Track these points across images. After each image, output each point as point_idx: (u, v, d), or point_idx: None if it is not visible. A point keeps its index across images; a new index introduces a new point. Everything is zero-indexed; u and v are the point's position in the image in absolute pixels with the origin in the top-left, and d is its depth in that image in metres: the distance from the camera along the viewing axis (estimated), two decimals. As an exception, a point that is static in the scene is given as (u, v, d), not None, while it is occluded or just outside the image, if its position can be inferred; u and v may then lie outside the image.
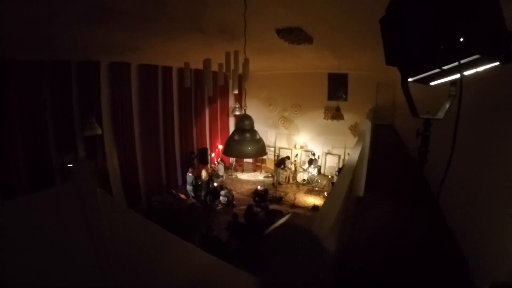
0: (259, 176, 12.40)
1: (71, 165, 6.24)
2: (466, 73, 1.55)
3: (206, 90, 6.21)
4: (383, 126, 11.17)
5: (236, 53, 5.94)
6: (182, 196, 9.12)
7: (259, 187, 9.91)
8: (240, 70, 6.45)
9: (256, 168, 13.12)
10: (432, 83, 1.77)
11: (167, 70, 10.06)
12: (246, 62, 6.39)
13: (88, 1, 3.69)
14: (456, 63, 1.17)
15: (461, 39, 1.12)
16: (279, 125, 13.72)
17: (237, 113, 11.47)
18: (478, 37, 1.12)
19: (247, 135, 3.08)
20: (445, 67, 1.37)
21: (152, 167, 9.92)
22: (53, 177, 7.28)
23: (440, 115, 1.69)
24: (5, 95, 6.23)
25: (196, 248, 3.40)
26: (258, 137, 3.16)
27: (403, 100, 7.22)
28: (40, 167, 7.02)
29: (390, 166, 5.83)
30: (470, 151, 2.50)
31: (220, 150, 13.23)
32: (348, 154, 11.42)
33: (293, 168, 12.59)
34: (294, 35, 5.62)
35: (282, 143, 13.71)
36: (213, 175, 11.01)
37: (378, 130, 10.45)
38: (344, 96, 12.27)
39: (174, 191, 9.40)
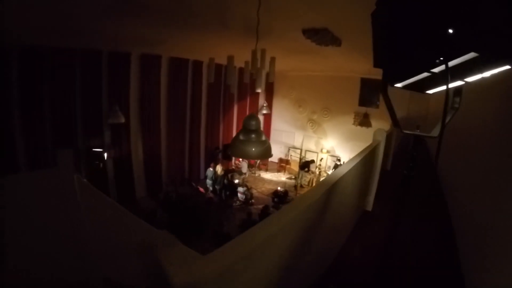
0: (282, 177, 12.29)
1: (97, 149, 6.53)
2: (470, 79, 1.36)
3: (230, 87, 6.18)
4: (411, 136, 10.73)
5: (263, 52, 5.89)
6: (201, 189, 9.20)
7: (279, 188, 9.79)
8: (267, 69, 6.42)
9: (280, 168, 12.99)
10: (429, 91, 1.57)
11: (198, 64, 10.19)
12: (272, 61, 6.35)
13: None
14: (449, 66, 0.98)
15: (450, 31, 0.87)
16: (307, 127, 13.50)
17: (265, 112, 11.38)
18: (473, 28, 0.86)
19: (253, 135, 3.06)
20: (435, 70, 1.17)
21: (176, 159, 10.11)
22: (79, 160, 7.55)
23: (435, 132, 1.42)
24: (38, 79, 6.56)
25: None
26: (263, 138, 3.14)
27: (435, 110, 6.89)
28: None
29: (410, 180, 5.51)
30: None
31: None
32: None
33: (317, 172, 12.31)
34: (320, 36, 5.47)
35: (309, 145, 13.49)
36: (236, 172, 11.00)
37: (407, 140, 9.98)
38: (376, 102, 11.82)
39: (194, 184, 9.50)
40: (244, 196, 8.87)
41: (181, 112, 9.95)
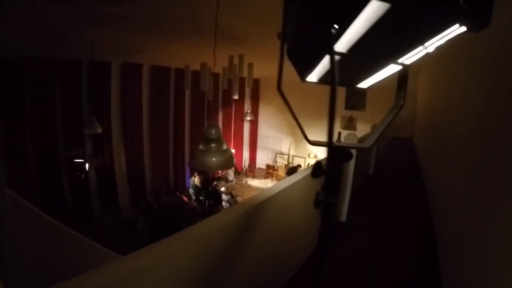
0: (269, 183, 12.21)
1: (78, 160, 6.45)
2: (407, 59, 0.77)
3: (206, 95, 6.19)
4: (401, 140, 10.77)
5: (240, 57, 5.92)
6: (185, 198, 9.13)
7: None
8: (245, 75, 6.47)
9: (267, 175, 12.99)
10: (361, 85, 0.93)
11: (180, 72, 10.17)
12: (250, 67, 6.40)
13: (81, 5, 3.74)
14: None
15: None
16: (294, 133, 13.51)
17: (249, 118, 11.37)
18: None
19: (213, 145, 2.94)
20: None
21: (160, 168, 10.07)
22: (60, 171, 7.50)
23: (368, 142, 0.98)
24: (17, 90, 6.52)
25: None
26: (224, 147, 3.03)
27: (423, 113, 6.80)
28: (48, 161, 7.28)
29: (394, 188, 5.35)
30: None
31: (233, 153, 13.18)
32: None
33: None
34: None
35: (296, 151, 13.51)
36: (221, 179, 10.96)
37: (394, 143, 10.06)
38: (363, 105, 11.92)
39: (177, 193, 9.43)
40: (228, 204, 8.84)
41: (164, 121, 9.92)
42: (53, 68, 7.10)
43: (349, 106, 12.14)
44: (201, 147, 2.95)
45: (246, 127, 14.35)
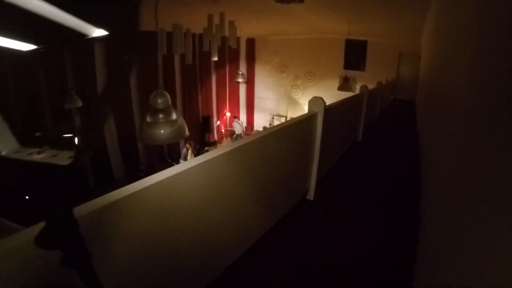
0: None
1: (66, 135, 6.60)
2: None
3: (186, 58, 6.14)
4: (401, 102, 10.58)
5: (221, 16, 5.79)
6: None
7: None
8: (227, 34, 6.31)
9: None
10: None
11: (168, 35, 9.88)
12: (232, 25, 6.27)
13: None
14: None
15: None
16: (292, 94, 13.37)
17: (240, 80, 11.21)
18: None
19: (160, 116, 2.77)
20: None
21: None
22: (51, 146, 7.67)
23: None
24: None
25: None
26: (174, 117, 2.83)
27: (425, 75, 6.38)
28: (36, 136, 7.47)
29: (382, 161, 4.63)
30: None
31: (228, 117, 13.24)
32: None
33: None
34: None
35: (294, 113, 13.46)
36: (215, 143, 11.07)
37: (394, 105, 9.89)
38: (363, 65, 11.60)
39: (169, 160, 9.64)
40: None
41: (153, 87, 9.82)
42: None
43: (348, 65, 11.80)
44: (148, 118, 2.79)
45: (243, 89, 14.23)
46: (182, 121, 2.92)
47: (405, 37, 9.98)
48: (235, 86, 13.61)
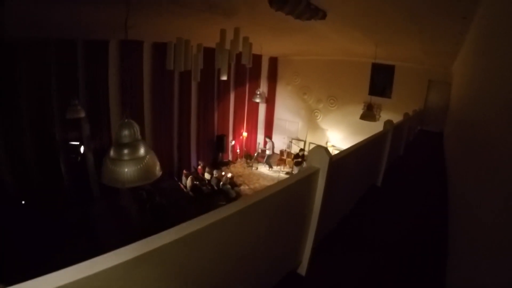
0: (282, 172, 11.86)
1: (73, 143, 6.52)
2: None
3: (192, 76, 5.91)
4: (430, 134, 9.93)
5: (236, 31, 5.53)
6: (182, 186, 9.07)
7: (269, 187, 9.44)
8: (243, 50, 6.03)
9: (280, 162, 12.68)
10: None
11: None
12: (246, 41, 6.00)
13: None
14: None
15: None
16: (313, 117, 13.00)
17: (258, 100, 10.98)
18: None
19: (125, 151, 2.42)
20: None
21: (163, 151, 10.07)
22: (57, 154, 7.76)
23: None
24: (12, 73, 6.65)
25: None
26: (141, 153, 2.50)
27: (455, 104, 5.74)
28: (44, 145, 7.52)
29: (409, 209, 3.90)
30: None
31: (244, 137, 12.98)
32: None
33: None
34: (291, 6, 4.90)
35: (313, 138, 13.05)
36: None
37: (421, 137, 9.25)
38: (389, 91, 11.15)
39: (176, 179, 9.39)
40: (233, 193, 8.70)
41: (167, 100, 9.81)
42: (47, 49, 7.08)
43: (373, 91, 11.34)
44: (111, 153, 2.43)
45: (262, 109, 14.00)
46: (152, 157, 2.56)
47: (436, 63, 9.47)
48: (254, 106, 13.42)
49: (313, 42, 9.11)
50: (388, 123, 4.40)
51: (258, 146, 14.05)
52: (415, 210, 3.87)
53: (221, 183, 8.93)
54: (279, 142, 13.84)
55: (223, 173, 11.00)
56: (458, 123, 5.06)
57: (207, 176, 9.62)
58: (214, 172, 9.54)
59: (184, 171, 9.42)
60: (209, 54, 9.17)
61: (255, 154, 13.20)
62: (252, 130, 13.83)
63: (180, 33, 7.71)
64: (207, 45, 6.12)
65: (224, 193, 8.70)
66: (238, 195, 9.09)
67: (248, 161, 12.83)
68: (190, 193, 8.51)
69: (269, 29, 7.24)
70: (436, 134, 9.59)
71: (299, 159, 11.24)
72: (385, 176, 4.52)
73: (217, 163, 11.93)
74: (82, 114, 6.50)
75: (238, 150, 13.09)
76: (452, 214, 3.15)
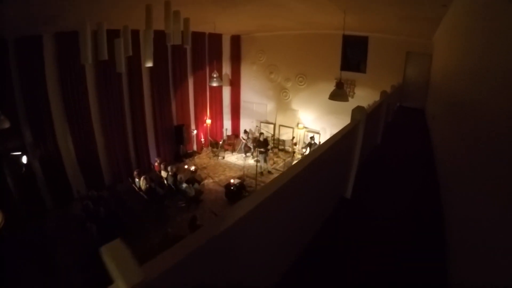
0: (251, 159, 11.81)
1: (15, 153, 6.25)
2: None
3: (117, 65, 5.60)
4: (409, 111, 9.87)
5: (167, 6, 5.23)
6: (136, 188, 8.92)
7: (232, 180, 9.42)
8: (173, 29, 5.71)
9: (248, 148, 12.59)
10: None
11: (134, 34, 9.47)
12: (186, 22, 5.69)
13: None
14: None
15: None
16: (281, 98, 12.88)
17: (215, 84, 10.72)
18: None
19: None
20: None
21: (117, 150, 10.11)
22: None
23: None
24: None
25: None
26: None
27: (440, 78, 5.44)
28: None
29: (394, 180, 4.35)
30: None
31: (208, 125, 12.80)
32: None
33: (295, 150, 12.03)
34: None
35: (283, 119, 12.99)
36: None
37: (401, 116, 9.15)
38: (363, 66, 11.22)
39: (130, 179, 9.23)
40: (190, 192, 8.62)
41: (115, 94, 9.68)
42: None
43: (346, 66, 11.21)
44: None
45: (227, 93, 13.82)
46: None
47: (414, 33, 9.31)
48: (217, 90, 13.32)
49: (273, 14, 8.96)
50: (357, 111, 3.43)
51: (225, 132, 13.91)
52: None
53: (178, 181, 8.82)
54: (248, 126, 13.84)
55: (185, 166, 10.91)
56: (450, 105, 4.36)
57: (164, 174, 9.48)
58: (169, 168, 9.39)
59: (135, 171, 9.24)
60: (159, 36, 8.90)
61: (221, 142, 13.05)
62: (217, 116, 13.81)
63: (132, 17, 7.40)
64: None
65: (182, 192, 8.61)
66: (199, 192, 9.03)
67: (214, 149, 12.73)
68: (145, 196, 8.38)
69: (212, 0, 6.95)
70: (416, 111, 9.57)
71: (262, 149, 11.08)
72: (356, 184, 3.72)
73: (180, 156, 11.81)
74: (7, 125, 6.22)
75: (202, 139, 12.93)
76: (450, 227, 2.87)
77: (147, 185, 8.46)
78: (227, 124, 14.33)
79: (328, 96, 9.77)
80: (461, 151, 2.89)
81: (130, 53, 5.64)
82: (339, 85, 8.38)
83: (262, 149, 10.97)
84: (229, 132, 14.28)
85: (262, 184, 10.28)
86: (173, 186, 8.87)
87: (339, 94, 8.30)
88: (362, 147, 3.68)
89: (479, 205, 1.83)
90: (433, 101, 7.50)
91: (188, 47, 11.42)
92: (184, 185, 8.66)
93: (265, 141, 11.34)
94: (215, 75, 10.67)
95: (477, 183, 2.04)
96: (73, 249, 6.83)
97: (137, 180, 8.92)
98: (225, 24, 10.79)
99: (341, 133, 2.95)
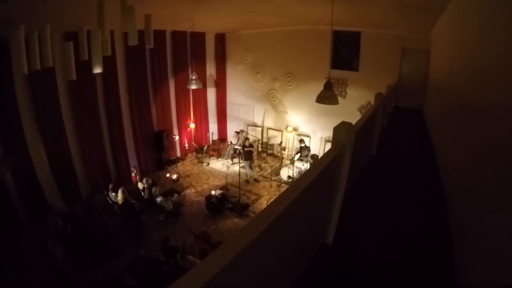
0: (237, 166, 11.49)
1: None
2: None
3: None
4: (406, 112, 9.53)
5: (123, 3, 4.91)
6: (110, 201, 8.65)
7: (213, 192, 9.12)
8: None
9: (235, 154, 12.30)
10: None
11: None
12: (147, 19, 5.34)
13: None
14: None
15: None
16: (269, 99, 12.68)
17: (194, 86, 10.31)
18: None
19: None
20: None
21: (94, 160, 9.86)
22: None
23: None
24: None
25: None
26: None
27: (443, 77, 5.30)
28: None
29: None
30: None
31: (192, 130, 12.50)
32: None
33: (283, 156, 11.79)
34: None
35: (271, 122, 12.89)
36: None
37: (397, 117, 8.80)
38: (355, 64, 10.87)
39: (105, 192, 8.93)
40: (167, 206, 8.34)
41: (90, 100, 9.40)
42: None
43: (337, 64, 10.99)
44: None
45: (212, 95, 13.56)
46: None
47: (410, 27, 8.98)
48: (201, 92, 13.07)
49: (254, 9, 8.69)
50: (343, 130, 2.56)
51: (211, 136, 13.64)
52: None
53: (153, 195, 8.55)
54: (235, 130, 13.44)
55: (167, 175, 10.62)
56: (456, 108, 3.86)
57: (140, 185, 9.20)
58: (144, 180, 9.09)
59: (110, 185, 8.96)
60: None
61: (205, 147, 12.77)
62: (202, 120, 13.62)
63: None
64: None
65: (159, 206, 8.34)
66: (178, 204, 8.77)
67: (199, 155, 12.50)
68: (118, 211, 8.12)
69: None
70: (414, 112, 9.28)
71: (248, 154, 10.80)
72: (343, 211, 2.98)
73: (162, 164, 11.55)
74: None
75: (186, 145, 12.65)
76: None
77: (124, 199, 8.18)
78: (213, 128, 14.14)
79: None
80: (470, 160, 2.61)
81: (86, 57, 5.25)
82: (328, 85, 7.43)
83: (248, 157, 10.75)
84: (216, 136, 14.09)
85: (247, 194, 10.04)
86: (151, 199, 8.61)
87: (327, 96, 7.15)
88: (348, 176, 2.88)
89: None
90: (434, 103, 7.03)
91: (168, 48, 11.19)
92: (159, 198, 8.38)
93: (250, 148, 11.03)
94: (193, 77, 10.26)
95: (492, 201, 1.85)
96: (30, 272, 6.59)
97: (113, 194, 8.63)
98: (206, 22, 10.49)
99: (317, 170, 2.16)
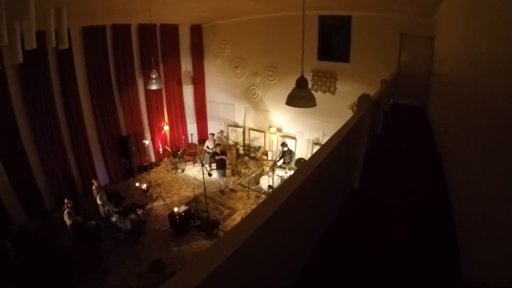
0: (215, 173, 10.89)
1: None
2: None
3: None
4: (407, 112, 8.72)
5: None
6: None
7: (176, 209, 8.57)
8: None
9: (212, 159, 11.66)
10: None
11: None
12: (58, 12, 5.03)
13: None
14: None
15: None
16: (250, 96, 12.08)
17: (154, 87, 9.61)
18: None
19: None
20: None
21: (55, 167, 9.52)
22: None
23: None
24: None
25: None
26: None
27: (449, 68, 5.00)
28: None
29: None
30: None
31: (167, 132, 12.04)
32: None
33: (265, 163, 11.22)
34: None
35: (253, 122, 12.44)
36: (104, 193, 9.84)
37: (396, 123, 7.84)
38: (345, 54, 10.11)
39: (64, 207, 8.59)
40: (123, 226, 7.97)
41: (45, 102, 8.98)
42: None
43: (325, 54, 10.38)
44: None
45: (189, 93, 13.07)
46: None
47: (410, 8, 8.16)
48: (176, 91, 12.72)
49: None
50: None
51: (191, 138, 13.19)
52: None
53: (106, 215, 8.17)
54: (216, 129, 13.15)
55: (137, 184, 10.22)
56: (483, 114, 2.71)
57: (99, 201, 8.79)
58: (98, 197, 8.71)
59: (66, 200, 8.58)
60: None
61: (179, 152, 12.30)
62: (178, 121, 13.30)
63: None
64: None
65: (114, 226, 7.97)
66: (139, 222, 8.38)
67: (175, 159, 12.15)
68: (70, 231, 7.77)
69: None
70: (415, 110, 8.59)
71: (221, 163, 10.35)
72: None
73: (132, 172, 11.15)
74: None
75: (161, 149, 12.27)
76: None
77: (72, 221, 7.79)
78: (192, 128, 13.80)
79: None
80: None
81: (35, 46, 4.71)
82: (301, 82, 5.32)
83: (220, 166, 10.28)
84: (196, 137, 13.73)
85: (220, 208, 9.54)
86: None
87: (301, 96, 5.46)
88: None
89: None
90: (443, 106, 5.76)
91: (135, 44, 10.68)
92: (114, 218, 7.99)
93: (222, 156, 10.41)
94: (154, 76, 9.60)
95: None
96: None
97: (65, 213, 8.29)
98: (173, 12, 9.92)
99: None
